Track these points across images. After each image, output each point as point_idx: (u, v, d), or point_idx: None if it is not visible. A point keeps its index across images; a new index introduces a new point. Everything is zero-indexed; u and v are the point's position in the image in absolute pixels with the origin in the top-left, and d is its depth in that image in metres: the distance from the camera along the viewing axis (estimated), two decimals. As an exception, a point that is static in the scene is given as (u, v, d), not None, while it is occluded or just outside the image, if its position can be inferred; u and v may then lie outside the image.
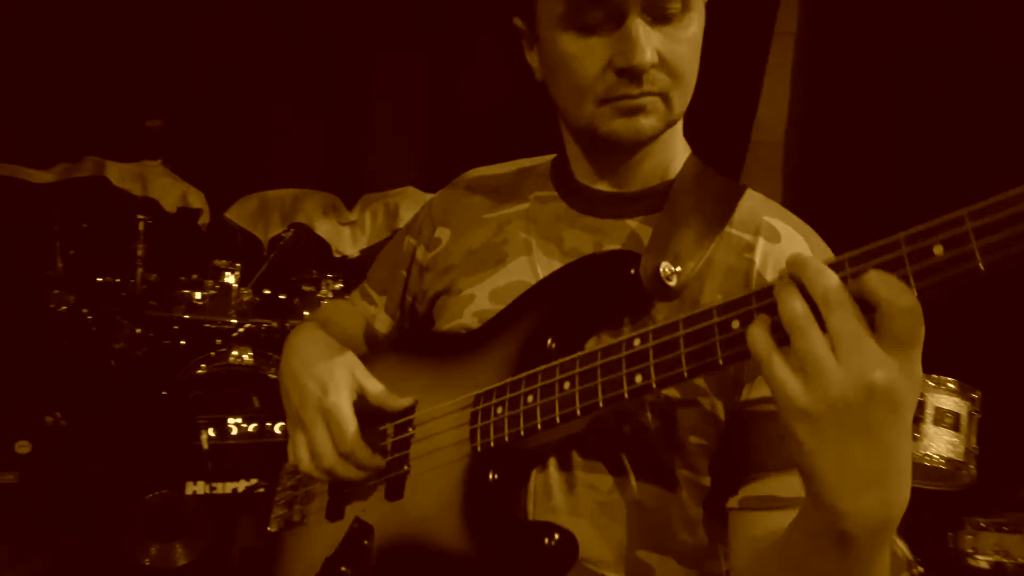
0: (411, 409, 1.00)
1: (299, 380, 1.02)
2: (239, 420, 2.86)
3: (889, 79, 3.40)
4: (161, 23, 4.09)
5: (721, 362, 0.71)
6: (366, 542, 0.94)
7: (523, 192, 1.10)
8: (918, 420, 2.60)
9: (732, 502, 0.89)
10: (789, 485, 0.84)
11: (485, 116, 4.00)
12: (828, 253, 0.96)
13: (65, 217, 3.92)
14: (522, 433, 0.85)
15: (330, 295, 3.74)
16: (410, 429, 0.98)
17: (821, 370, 0.63)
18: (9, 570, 2.98)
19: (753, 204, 1.00)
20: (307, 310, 3.73)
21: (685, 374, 0.74)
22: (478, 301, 1.03)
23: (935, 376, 2.63)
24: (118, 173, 3.68)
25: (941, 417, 2.62)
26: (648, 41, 0.88)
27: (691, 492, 0.92)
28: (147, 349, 3.70)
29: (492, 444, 0.87)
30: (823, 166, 3.64)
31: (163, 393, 3.30)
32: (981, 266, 0.60)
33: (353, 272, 3.91)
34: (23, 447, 3.27)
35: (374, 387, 1.01)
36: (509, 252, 1.04)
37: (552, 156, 1.14)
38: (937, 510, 2.72)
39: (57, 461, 3.25)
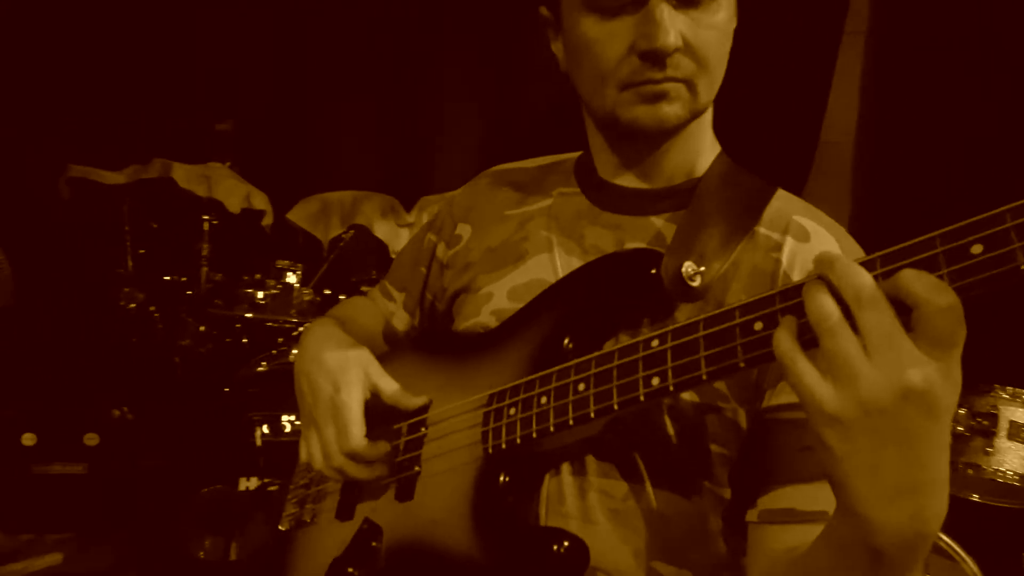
0: (425, 408, 0.98)
1: (312, 377, 1.01)
2: (293, 418, 2.89)
3: (962, 79, 3.26)
4: (227, 30, 4.20)
5: (743, 364, 0.68)
6: (374, 543, 0.92)
7: (546, 188, 1.08)
8: (991, 434, 2.48)
9: (751, 515, 0.84)
10: (810, 497, 0.80)
11: (545, 118, 3.98)
12: (860, 254, 0.91)
13: (136, 217, 4.05)
14: (535, 435, 0.82)
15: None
16: (423, 429, 0.96)
17: (852, 372, 0.59)
18: (76, 558, 3.08)
19: (783, 203, 0.96)
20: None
21: (704, 376, 0.70)
22: (496, 299, 1.00)
23: (1011, 388, 2.51)
24: (184, 174, 3.78)
25: (1017, 431, 2.49)
26: (672, 24, 0.85)
27: (711, 503, 0.88)
28: (211, 346, 3.79)
29: (504, 446, 0.85)
30: (894, 168, 3.51)
31: (225, 390, 3.37)
32: (1023, 267, 0.56)
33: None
34: (91, 439, 3.37)
35: (388, 385, 0.99)
36: (529, 249, 1.01)
37: (579, 153, 1.10)
38: (1010, 529, 2.60)
39: (123, 454, 3.35)
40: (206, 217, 3.89)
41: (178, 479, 2.92)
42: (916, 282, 0.58)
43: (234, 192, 3.86)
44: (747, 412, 0.87)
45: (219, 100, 4.27)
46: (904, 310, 0.59)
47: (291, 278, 3.85)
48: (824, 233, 0.92)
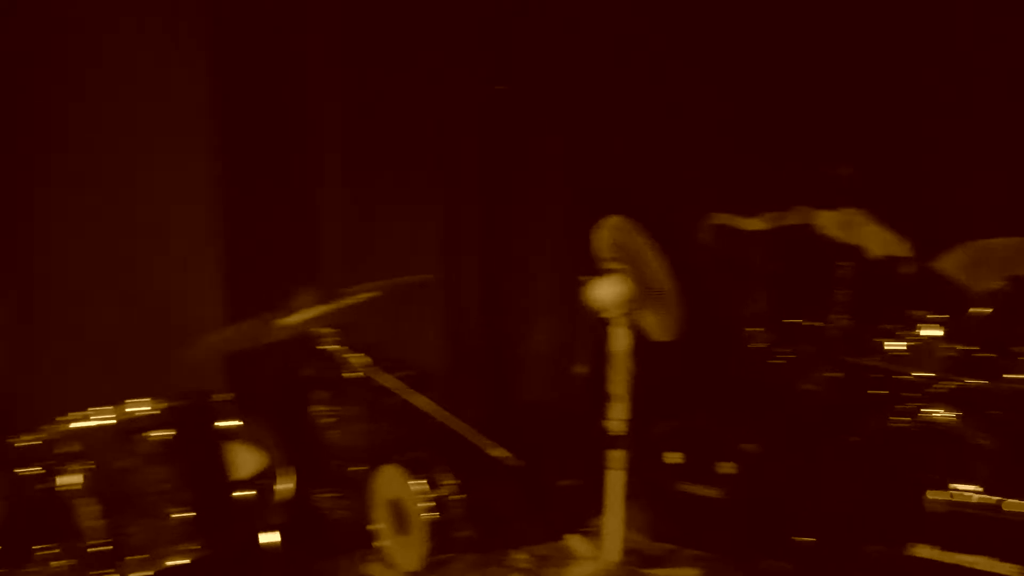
0: None
1: None
2: (972, 486, 2.66)
3: None
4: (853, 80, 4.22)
5: None
6: None
7: None
8: None
9: None
10: None
11: None
12: None
13: (769, 261, 4.26)
14: None
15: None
16: None
17: None
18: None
19: None
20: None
21: None
22: None
23: None
24: (827, 221, 3.84)
25: None
26: None
27: None
28: (840, 393, 3.76)
29: None
30: None
31: (854, 440, 3.31)
32: None
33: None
34: (727, 468, 3.61)
35: None
36: None
37: None
38: None
39: (754, 487, 3.51)
40: (843, 263, 3.88)
41: (830, 529, 2.91)
42: None
43: (875, 238, 3.79)
44: None
45: (842, 145, 4.29)
46: None
47: (930, 330, 3.61)
48: None
